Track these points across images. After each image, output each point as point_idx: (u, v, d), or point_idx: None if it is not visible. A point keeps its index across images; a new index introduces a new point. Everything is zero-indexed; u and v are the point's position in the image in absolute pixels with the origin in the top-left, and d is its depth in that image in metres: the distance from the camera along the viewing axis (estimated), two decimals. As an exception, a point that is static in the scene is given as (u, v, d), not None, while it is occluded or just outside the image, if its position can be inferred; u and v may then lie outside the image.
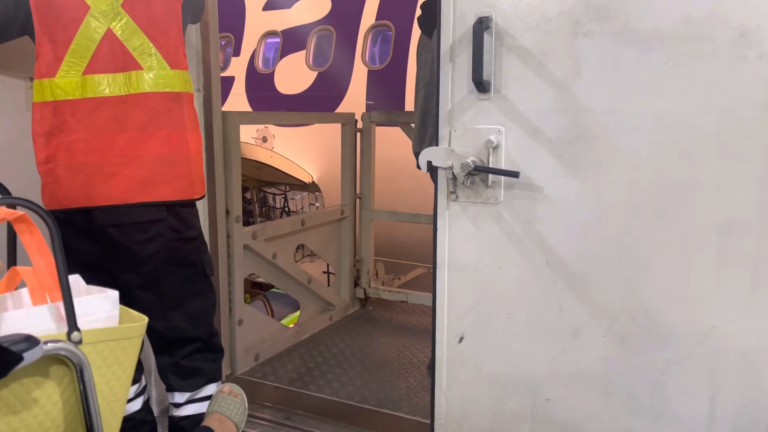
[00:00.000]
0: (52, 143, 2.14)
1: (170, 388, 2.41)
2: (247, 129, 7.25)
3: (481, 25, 1.73)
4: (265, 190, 8.10)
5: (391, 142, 4.78)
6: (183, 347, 2.37)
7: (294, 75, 7.45)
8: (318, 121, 6.20)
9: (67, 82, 2.10)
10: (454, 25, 1.82)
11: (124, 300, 2.22)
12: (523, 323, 1.86)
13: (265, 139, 7.50)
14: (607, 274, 1.72)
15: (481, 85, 1.77)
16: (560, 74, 1.70)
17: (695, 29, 1.52)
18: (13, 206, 1.19)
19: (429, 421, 2.06)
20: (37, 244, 1.16)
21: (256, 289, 5.63)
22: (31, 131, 2.17)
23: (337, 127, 4.53)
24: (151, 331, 2.14)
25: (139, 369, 2.39)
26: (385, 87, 6.66)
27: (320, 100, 7.12)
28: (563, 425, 1.84)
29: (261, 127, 7.54)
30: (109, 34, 2.12)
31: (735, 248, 1.57)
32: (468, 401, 1.97)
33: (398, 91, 6.49)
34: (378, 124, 4.56)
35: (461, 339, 1.95)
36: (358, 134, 4.54)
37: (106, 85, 2.12)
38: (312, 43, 7.43)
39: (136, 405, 2.37)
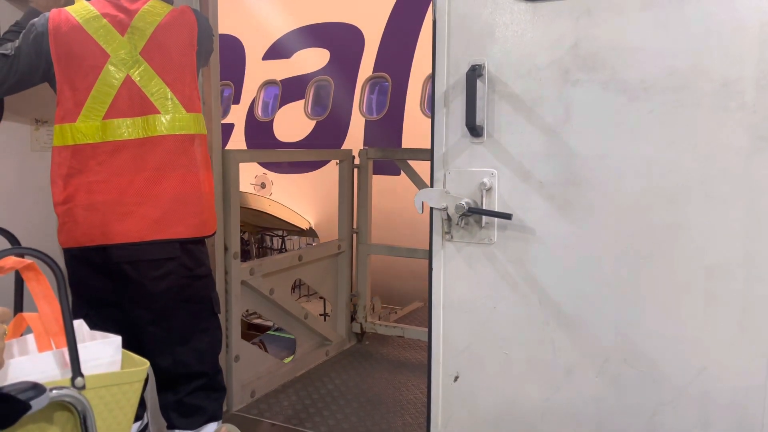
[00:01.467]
0: (72, 184, 2.19)
1: (171, 426, 2.43)
2: (246, 176, 7.30)
3: (474, 73, 1.79)
4: (263, 232, 8.15)
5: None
6: (188, 383, 2.39)
7: (292, 124, 7.55)
8: (316, 157, 6.25)
9: (87, 126, 2.17)
10: (448, 72, 1.88)
11: (134, 335, 2.28)
12: (517, 362, 1.88)
13: (263, 186, 7.57)
14: (598, 314, 1.75)
15: (474, 129, 1.82)
16: (550, 120, 1.75)
17: (679, 80, 1.58)
18: (21, 254, 1.23)
19: (425, 460, 2.07)
20: (44, 291, 1.19)
21: (252, 330, 5.61)
22: (50, 174, 2.24)
23: (335, 174, 4.59)
24: (157, 368, 2.17)
25: (142, 406, 2.40)
26: (382, 137, 6.76)
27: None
28: (558, 465, 1.85)
29: (259, 173, 7.61)
30: (127, 81, 2.19)
31: (723, 290, 1.60)
32: (464, 440, 1.99)
33: (395, 141, 6.61)
34: (375, 172, 4.63)
35: (456, 378, 1.97)
36: (356, 170, 4.60)
37: (126, 128, 2.18)
38: (311, 93, 7.53)
39: (139, 442, 2.38)
